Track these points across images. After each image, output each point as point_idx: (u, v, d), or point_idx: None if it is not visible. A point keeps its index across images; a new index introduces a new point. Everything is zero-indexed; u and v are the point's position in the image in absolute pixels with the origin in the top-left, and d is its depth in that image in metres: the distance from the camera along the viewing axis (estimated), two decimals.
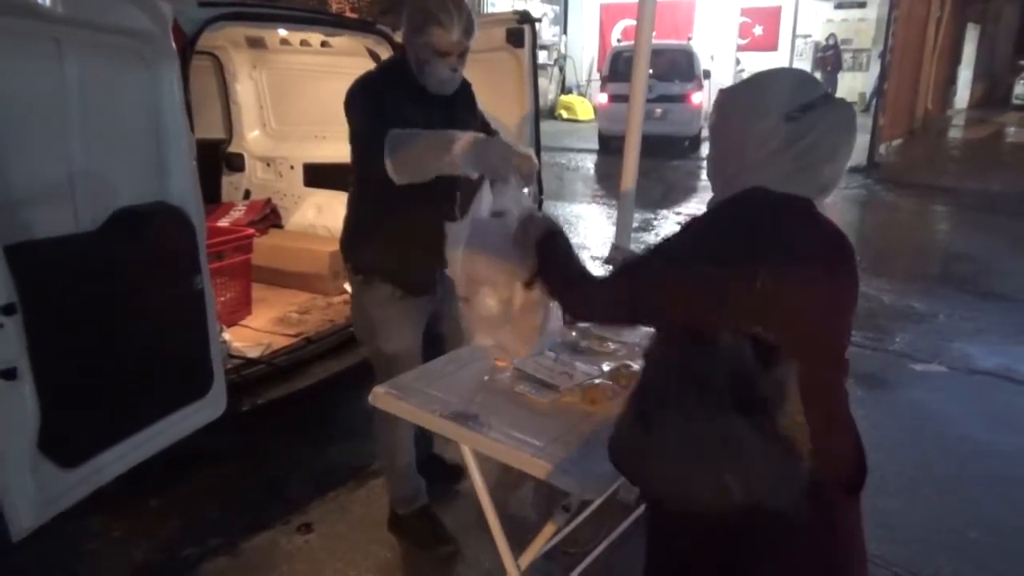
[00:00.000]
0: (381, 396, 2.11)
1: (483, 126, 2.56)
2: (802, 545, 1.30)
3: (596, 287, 1.50)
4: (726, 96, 1.39)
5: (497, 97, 3.51)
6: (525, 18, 3.36)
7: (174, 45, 2.27)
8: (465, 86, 2.49)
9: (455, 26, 2.19)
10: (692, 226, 1.36)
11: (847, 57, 19.60)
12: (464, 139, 2.05)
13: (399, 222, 2.37)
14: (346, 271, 2.59)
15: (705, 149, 1.66)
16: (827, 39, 18.12)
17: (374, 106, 2.23)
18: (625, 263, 1.56)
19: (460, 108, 2.42)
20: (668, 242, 1.37)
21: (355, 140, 2.34)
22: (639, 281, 1.39)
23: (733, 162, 1.34)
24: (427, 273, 2.49)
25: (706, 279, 1.25)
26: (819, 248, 1.31)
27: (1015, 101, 19.59)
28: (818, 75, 18.27)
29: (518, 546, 2.08)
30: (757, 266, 1.22)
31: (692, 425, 1.23)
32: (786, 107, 1.27)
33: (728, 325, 1.23)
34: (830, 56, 17.78)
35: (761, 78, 1.36)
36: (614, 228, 2.59)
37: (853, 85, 18.92)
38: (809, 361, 1.26)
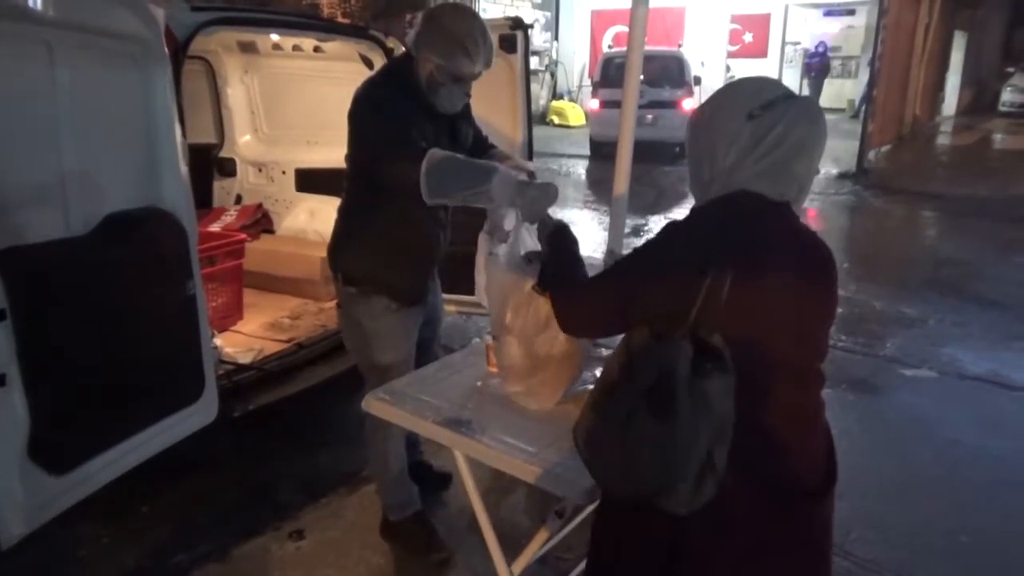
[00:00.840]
0: (374, 403, 2.11)
1: (476, 136, 2.58)
2: (751, 543, 1.32)
3: (583, 288, 1.56)
4: (696, 111, 1.45)
5: (490, 102, 3.51)
6: (517, 24, 3.37)
7: (166, 49, 2.27)
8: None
9: (480, 57, 2.21)
10: (668, 228, 1.40)
11: (836, 64, 19.74)
12: (502, 175, 1.99)
13: (394, 233, 2.36)
14: (336, 281, 2.53)
15: None
16: (816, 45, 18.23)
17: (393, 112, 2.19)
18: (607, 267, 1.61)
19: (460, 121, 2.44)
20: (645, 244, 1.42)
21: (372, 146, 2.24)
22: (619, 282, 1.45)
23: (706, 169, 1.38)
24: (421, 283, 2.50)
25: (673, 279, 1.30)
26: (792, 255, 1.32)
27: (1002, 108, 19.74)
28: (804, 81, 18.42)
29: (512, 552, 2.08)
30: (724, 269, 1.24)
31: (618, 416, 1.27)
32: (747, 107, 1.32)
33: (691, 327, 1.25)
34: (815, 63, 17.88)
35: (725, 88, 1.43)
36: (606, 233, 2.59)
37: (842, 92, 19.05)
38: (772, 369, 1.28)
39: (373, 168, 2.25)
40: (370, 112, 2.22)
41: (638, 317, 1.35)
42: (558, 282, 1.65)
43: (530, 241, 2.01)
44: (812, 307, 1.34)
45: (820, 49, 18.12)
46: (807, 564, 1.40)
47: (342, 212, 2.50)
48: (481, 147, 2.57)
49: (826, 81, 18.99)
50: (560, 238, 1.80)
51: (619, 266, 1.50)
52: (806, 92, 16.14)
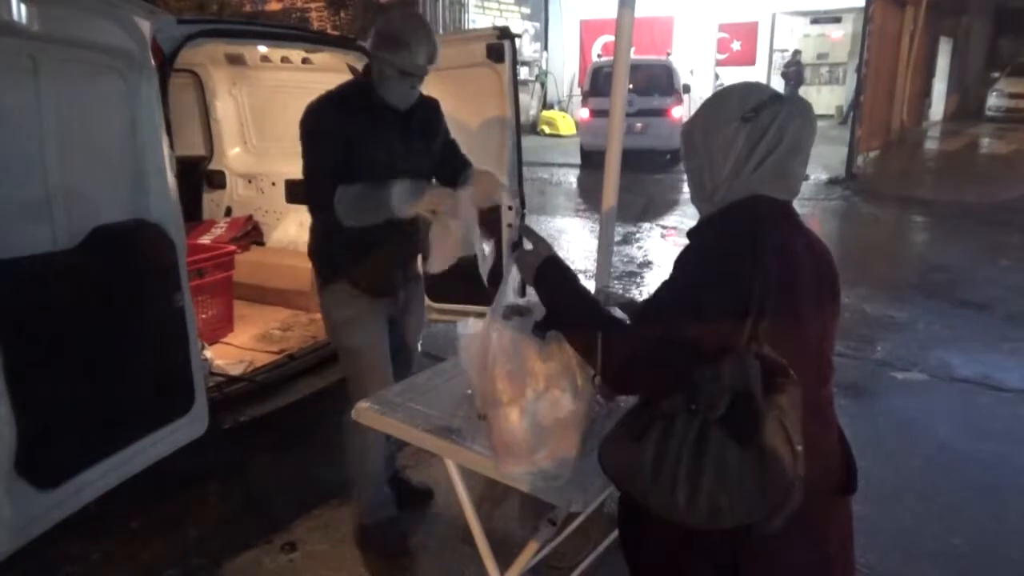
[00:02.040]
0: (364, 411, 2.10)
1: (445, 144, 2.67)
2: (795, 547, 1.31)
3: (621, 339, 1.37)
4: (688, 124, 1.44)
5: (478, 112, 3.53)
6: (505, 34, 3.39)
7: (153, 62, 2.27)
8: (428, 103, 2.59)
9: (423, 52, 2.34)
10: (697, 262, 1.33)
11: (823, 71, 19.88)
12: (399, 190, 2.21)
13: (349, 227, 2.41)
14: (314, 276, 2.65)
15: None
16: (794, 54, 18.35)
17: (322, 139, 2.37)
18: (638, 312, 1.51)
19: (418, 122, 2.52)
20: (680, 285, 1.33)
21: (304, 168, 2.42)
22: (661, 330, 1.31)
23: (708, 179, 1.38)
24: (385, 275, 2.57)
25: (716, 323, 1.24)
26: (811, 259, 1.34)
27: (988, 113, 19.90)
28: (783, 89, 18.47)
29: (504, 561, 2.07)
30: (764, 306, 1.22)
31: (682, 441, 1.22)
32: (739, 111, 1.33)
33: (736, 345, 1.22)
34: (792, 71, 17.99)
35: (713, 97, 1.43)
36: (596, 242, 2.60)
37: (831, 99, 19.19)
38: (808, 372, 1.28)
39: (306, 189, 2.47)
40: (305, 135, 2.40)
41: (681, 359, 1.27)
42: (586, 336, 1.42)
43: (511, 294, 1.79)
44: (830, 307, 1.37)
45: (796, 57, 18.23)
46: (842, 561, 1.42)
47: (310, 210, 2.62)
48: (454, 164, 2.64)
49: (814, 88, 19.12)
50: (557, 276, 1.55)
51: (656, 312, 1.36)
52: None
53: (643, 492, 1.27)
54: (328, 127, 2.37)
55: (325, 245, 2.55)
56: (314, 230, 2.60)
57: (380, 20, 2.46)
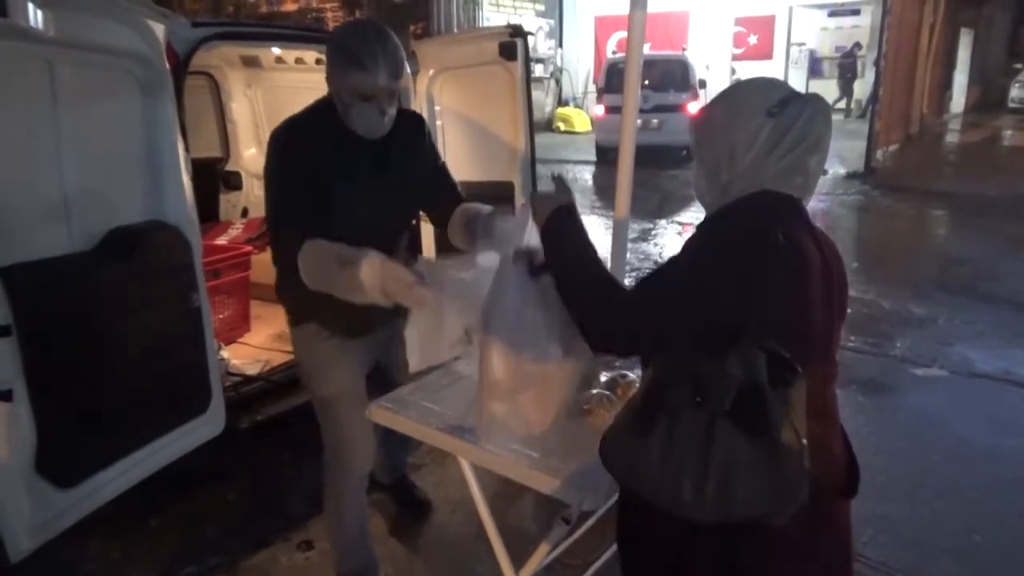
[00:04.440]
0: (377, 411, 2.11)
1: (435, 170, 2.32)
2: (797, 550, 1.31)
3: (623, 295, 1.35)
4: (702, 114, 1.41)
5: (490, 111, 3.52)
6: (517, 32, 3.38)
7: (167, 65, 2.29)
8: (409, 120, 2.22)
9: (380, 69, 1.93)
10: (710, 243, 1.32)
11: (841, 63, 19.69)
12: (369, 265, 1.81)
13: None
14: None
15: None
16: (853, 47, 18.12)
17: (282, 175, 2.04)
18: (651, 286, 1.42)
19: (397, 149, 2.15)
20: (692, 256, 1.32)
21: (268, 204, 2.12)
22: (668, 292, 1.30)
23: (725, 172, 1.35)
24: (358, 313, 2.02)
25: (722, 298, 1.23)
26: (820, 254, 1.32)
27: (1010, 104, 19.65)
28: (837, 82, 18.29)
29: (518, 559, 2.07)
30: (774, 293, 1.22)
31: (689, 435, 1.21)
32: (765, 105, 1.31)
33: (742, 338, 1.20)
34: (847, 63, 17.80)
35: (734, 88, 1.41)
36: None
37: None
38: (812, 370, 1.26)
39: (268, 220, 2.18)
40: (268, 169, 2.08)
41: (683, 330, 1.27)
42: (585, 284, 1.39)
43: (525, 237, 1.68)
44: (837, 306, 1.36)
45: (854, 49, 17.97)
46: (842, 564, 1.42)
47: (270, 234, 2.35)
48: (444, 197, 2.28)
49: (833, 82, 18.95)
50: (569, 224, 1.50)
51: (660, 286, 1.34)
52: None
53: (650, 487, 1.26)
54: (292, 161, 2.02)
55: (291, 282, 2.09)
56: (277, 263, 2.20)
57: (330, 39, 2.11)
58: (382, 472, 2.89)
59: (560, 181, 1.61)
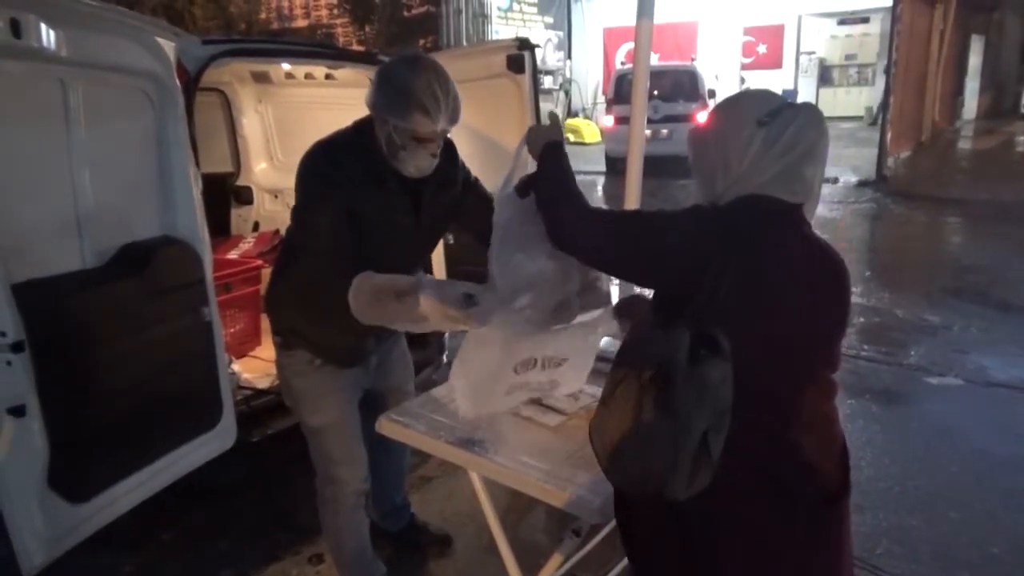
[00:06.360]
0: (387, 424, 2.11)
1: (467, 186, 2.27)
2: (783, 551, 1.35)
3: (590, 213, 1.58)
4: (698, 127, 1.49)
5: (498, 123, 3.53)
6: (525, 44, 3.40)
7: (178, 83, 2.31)
8: (444, 150, 2.09)
9: (441, 114, 1.91)
10: (686, 209, 1.44)
11: (852, 72, 19.63)
12: (427, 294, 1.77)
13: (318, 288, 2.05)
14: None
15: None
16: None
17: (326, 201, 1.98)
18: (615, 213, 1.65)
19: (435, 177, 2.09)
20: (661, 211, 1.47)
21: (296, 221, 2.11)
22: (628, 225, 1.51)
23: (720, 180, 1.40)
24: (352, 342, 2.15)
25: (676, 254, 1.36)
26: (803, 262, 1.35)
27: (1023, 111, 19.52)
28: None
29: (529, 572, 2.06)
30: (727, 265, 1.28)
31: (621, 405, 1.29)
32: (756, 115, 1.36)
33: (693, 318, 1.27)
34: None
35: (727, 101, 1.48)
36: None
37: (859, 100, 18.93)
38: (781, 372, 1.31)
39: (297, 246, 2.15)
40: (302, 182, 2.03)
41: (623, 265, 1.50)
42: (558, 202, 1.63)
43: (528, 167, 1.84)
44: (823, 316, 1.36)
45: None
46: (825, 567, 1.41)
47: (277, 257, 2.37)
48: (483, 211, 2.00)
49: (843, 90, 18.92)
50: (557, 154, 1.74)
51: (633, 213, 1.58)
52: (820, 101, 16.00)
53: (603, 456, 1.36)
54: (332, 196, 1.96)
55: (282, 301, 2.16)
56: (273, 272, 2.19)
57: (381, 74, 1.97)
58: (383, 519, 2.79)
59: (554, 118, 1.89)
